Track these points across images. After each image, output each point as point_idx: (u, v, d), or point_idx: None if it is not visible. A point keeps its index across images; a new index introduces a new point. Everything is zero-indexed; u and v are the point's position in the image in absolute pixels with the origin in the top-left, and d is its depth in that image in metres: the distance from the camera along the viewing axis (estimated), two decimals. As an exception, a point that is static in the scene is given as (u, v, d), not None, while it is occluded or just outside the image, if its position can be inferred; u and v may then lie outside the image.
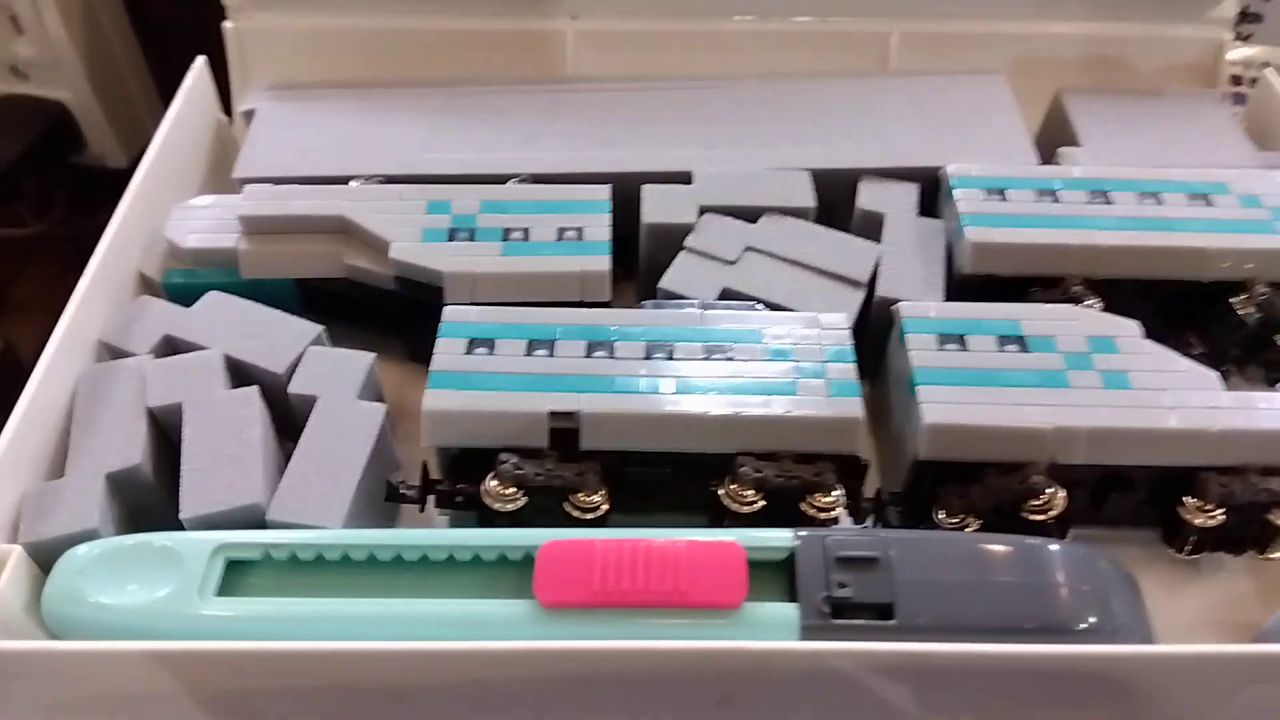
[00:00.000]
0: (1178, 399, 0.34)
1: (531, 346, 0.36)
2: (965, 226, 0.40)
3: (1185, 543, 0.35)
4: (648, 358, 0.36)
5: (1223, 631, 0.35)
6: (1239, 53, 0.56)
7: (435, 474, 0.35)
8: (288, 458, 0.35)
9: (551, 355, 0.36)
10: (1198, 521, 0.34)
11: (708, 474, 0.35)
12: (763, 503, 0.34)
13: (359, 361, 0.37)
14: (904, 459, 0.36)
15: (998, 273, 0.40)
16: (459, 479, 0.35)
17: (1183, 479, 0.35)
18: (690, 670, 0.29)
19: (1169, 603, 0.35)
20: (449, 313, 0.37)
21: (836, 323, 0.37)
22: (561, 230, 0.40)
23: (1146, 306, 0.39)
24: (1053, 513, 0.34)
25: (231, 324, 0.38)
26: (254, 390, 0.35)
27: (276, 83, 0.49)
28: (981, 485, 0.34)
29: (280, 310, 0.39)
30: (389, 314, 0.42)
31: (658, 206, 0.42)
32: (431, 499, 0.35)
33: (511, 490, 0.34)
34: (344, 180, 0.43)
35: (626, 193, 0.42)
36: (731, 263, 0.41)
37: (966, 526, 0.34)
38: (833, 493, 0.34)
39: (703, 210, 0.42)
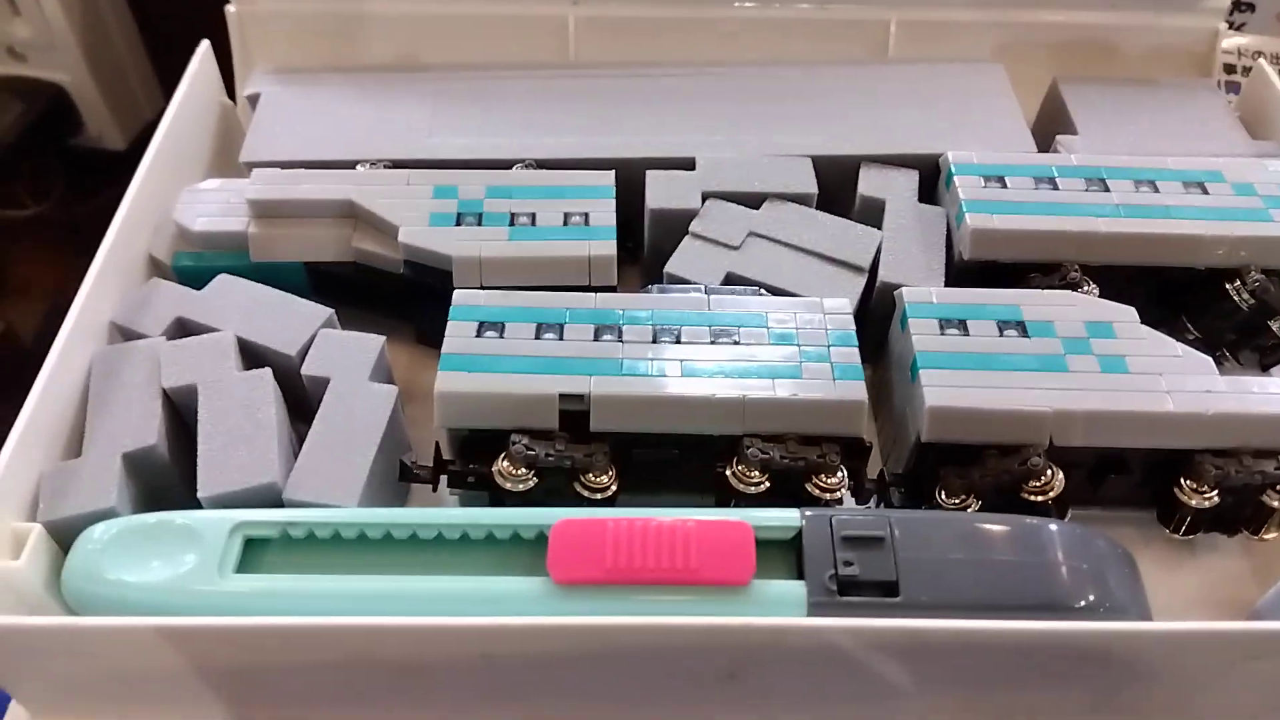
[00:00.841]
0: (1173, 383, 0.35)
1: (541, 330, 0.36)
2: (966, 213, 0.41)
3: (1180, 523, 0.36)
4: (655, 341, 0.36)
5: (1217, 610, 0.36)
6: (1232, 42, 0.57)
7: (446, 455, 0.36)
8: (299, 438, 0.35)
9: (560, 338, 0.36)
10: (1193, 503, 0.35)
11: (714, 455, 0.35)
12: (768, 484, 0.35)
13: (370, 344, 0.38)
14: (906, 441, 0.37)
15: (997, 259, 0.41)
16: (469, 460, 0.35)
17: (1178, 461, 0.36)
18: (700, 646, 0.30)
19: (1165, 582, 0.36)
20: (459, 296, 0.37)
21: (839, 307, 0.38)
22: (567, 215, 0.41)
23: (1142, 292, 0.39)
24: (1052, 494, 0.34)
25: (242, 306, 0.39)
26: (267, 372, 0.36)
27: (279, 67, 0.49)
28: (982, 467, 0.35)
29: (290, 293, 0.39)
30: (396, 297, 0.42)
31: (662, 192, 0.43)
32: (444, 479, 0.36)
33: (523, 471, 0.34)
34: (350, 165, 0.43)
35: (630, 178, 0.43)
36: (735, 248, 0.41)
37: (968, 507, 0.35)
38: (837, 474, 0.34)
39: (706, 196, 0.43)
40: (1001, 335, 0.37)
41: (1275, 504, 0.35)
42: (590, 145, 0.45)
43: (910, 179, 0.44)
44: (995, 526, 0.32)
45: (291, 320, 0.38)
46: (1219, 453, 0.35)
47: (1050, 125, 0.48)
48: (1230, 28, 0.58)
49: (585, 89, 0.48)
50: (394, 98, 0.47)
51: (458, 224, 0.40)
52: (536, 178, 0.43)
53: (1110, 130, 0.47)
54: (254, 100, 0.48)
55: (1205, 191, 0.42)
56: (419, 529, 0.32)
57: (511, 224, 0.40)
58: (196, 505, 0.33)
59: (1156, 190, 0.42)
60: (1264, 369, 0.41)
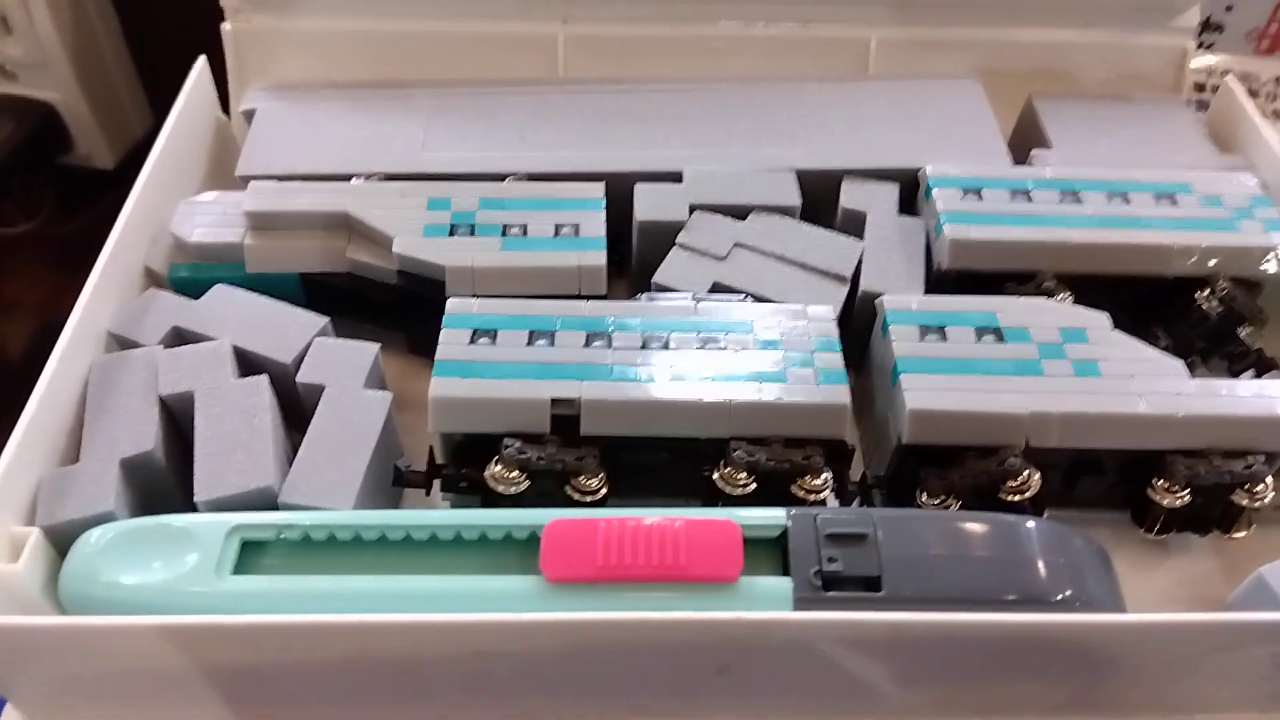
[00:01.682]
0: (1145, 386, 0.36)
1: (532, 337, 0.37)
2: (944, 224, 0.42)
3: (1154, 523, 0.37)
4: (644, 347, 0.37)
5: (1189, 607, 0.37)
6: (1201, 60, 0.59)
7: (440, 459, 0.37)
8: (294, 445, 0.36)
9: (552, 345, 0.37)
10: (1165, 502, 0.36)
11: (702, 458, 0.36)
12: (754, 485, 0.35)
13: (364, 352, 0.38)
14: (888, 444, 0.38)
15: (974, 268, 0.42)
16: (462, 464, 0.36)
17: (1150, 462, 0.37)
18: (690, 641, 0.30)
19: (1139, 581, 0.37)
20: (452, 304, 0.38)
21: (823, 315, 0.39)
22: (558, 226, 0.42)
23: (1115, 300, 0.40)
24: (1029, 494, 0.35)
25: (239, 316, 0.39)
26: (263, 378, 0.37)
27: (274, 83, 0.50)
28: (961, 468, 0.36)
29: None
30: (390, 307, 0.43)
31: (650, 205, 0.44)
32: (437, 483, 0.36)
33: (515, 474, 0.35)
34: (345, 178, 0.44)
35: (619, 191, 0.44)
36: (722, 258, 0.42)
37: (948, 508, 0.36)
38: (821, 475, 0.35)
39: (693, 208, 0.44)
40: (979, 341, 0.38)
41: (1244, 503, 0.36)
42: (580, 159, 0.46)
43: (890, 191, 0.45)
44: (975, 524, 0.33)
45: (287, 329, 0.39)
46: (1190, 453, 0.36)
47: (1026, 140, 0.50)
48: (1200, 47, 0.60)
49: (575, 104, 0.49)
50: (388, 113, 0.48)
51: (451, 235, 0.41)
52: (528, 190, 0.44)
53: (1083, 144, 0.48)
54: (249, 115, 0.49)
55: (1175, 203, 0.43)
56: (413, 530, 0.32)
57: (504, 235, 0.41)
58: (193, 510, 0.34)
59: (1128, 202, 0.43)
60: (1233, 375, 0.42)
